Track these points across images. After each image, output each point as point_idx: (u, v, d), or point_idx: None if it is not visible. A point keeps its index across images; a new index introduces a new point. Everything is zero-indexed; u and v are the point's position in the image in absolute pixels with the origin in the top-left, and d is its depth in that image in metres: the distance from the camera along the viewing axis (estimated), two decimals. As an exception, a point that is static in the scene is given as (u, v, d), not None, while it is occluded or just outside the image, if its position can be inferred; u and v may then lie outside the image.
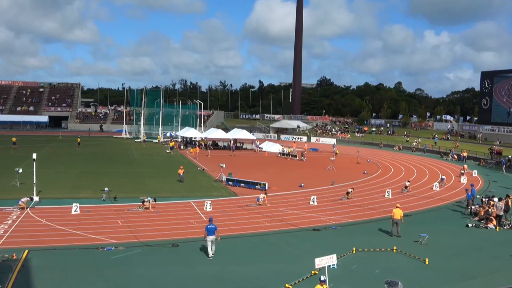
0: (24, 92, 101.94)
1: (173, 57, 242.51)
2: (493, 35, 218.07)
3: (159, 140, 67.65)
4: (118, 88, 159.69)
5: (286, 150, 55.07)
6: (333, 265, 14.96)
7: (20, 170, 28.40)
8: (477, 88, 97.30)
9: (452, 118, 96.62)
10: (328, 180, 35.67)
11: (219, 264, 16.15)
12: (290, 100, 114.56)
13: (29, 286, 13.79)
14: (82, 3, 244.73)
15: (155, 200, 24.92)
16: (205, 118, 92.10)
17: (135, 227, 20.55)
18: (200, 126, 75.85)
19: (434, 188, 33.74)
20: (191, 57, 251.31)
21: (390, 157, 55.85)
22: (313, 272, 14.94)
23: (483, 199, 26.18)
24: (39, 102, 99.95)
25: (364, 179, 38.12)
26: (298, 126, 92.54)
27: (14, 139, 53.39)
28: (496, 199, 24.41)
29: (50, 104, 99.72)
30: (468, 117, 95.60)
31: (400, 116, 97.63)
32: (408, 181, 33.76)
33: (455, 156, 54.99)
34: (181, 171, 33.83)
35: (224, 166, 34.83)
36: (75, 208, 22.83)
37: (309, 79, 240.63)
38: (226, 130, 72.27)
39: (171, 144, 56.40)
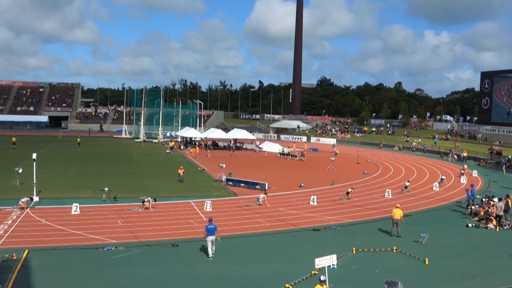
0: (24, 92, 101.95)
1: (173, 57, 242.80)
2: (493, 35, 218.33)
3: (159, 140, 67.65)
4: (118, 88, 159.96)
5: (286, 150, 55.07)
6: (333, 265, 14.96)
7: (20, 170, 28.41)
8: (477, 88, 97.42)
9: (452, 118, 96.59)
10: (328, 180, 35.67)
11: (219, 264, 16.15)
12: (290, 100, 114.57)
13: (29, 286, 13.79)
14: (82, 3, 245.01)
15: (155, 200, 24.93)
16: (205, 118, 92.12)
17: (135, 227, 20.55)
18: (200, 126, 75.84)
19: (434, 188, 33.74)
20: (191, 57, 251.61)
21: (390, 157, 55.86)
22: (313, 272, 14.95)
23: (483, 199, 26.18)
24: (39, 102, 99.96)
25: (364, 179, 38.12)
26: (298, 126, 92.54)
27: (14, 139, 53.41)
28: (496, 199, 24.40)
29: (50, 104, 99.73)
30: (468, 117, 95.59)
31: (400, 116, 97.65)
32: (408, 181, 33.76)
33: (455, 156, 54.99)
34: (181, 171, 33.83)
35: (224, 166, 34.83)
36: (75, 208, 22.83)
37: (309, 79, 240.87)
38: (226, 130, 72.28)
39: (171, 144, 56.39)
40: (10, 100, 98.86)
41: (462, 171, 40.96)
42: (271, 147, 60.54)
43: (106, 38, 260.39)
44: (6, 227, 19.97)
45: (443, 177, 38.18)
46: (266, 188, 30.30)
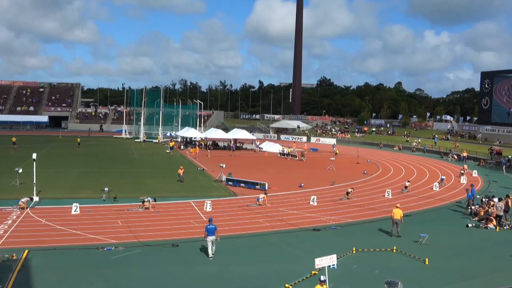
0: (24, 92, 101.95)
1: (173, 57, 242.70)
2: (493, 35, 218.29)
3: (159, 140, 67.65)
4: (118, 88, 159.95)
5: (286, 150, 55.07)
6: (333, 265, 14.96)
7: (20, 170, 28.41)
8: (477, 88, 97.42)
9: (452, 118, 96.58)
10: (328, 180, 35.67)
11: (219, 264, 16.15)
12: (290, 100, 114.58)
13: (29, 286, 13.79)
14: (82, 3, 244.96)
15: (155, 200, 24.93)
16: (205, 118, 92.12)
17: (135, 227, 20.55)
18: (200, 126, 75.84)
19: (434, 188, 33.74)
20: (191, 57, 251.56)
21: (390, 157, 55.86)
22: (313, 272, 14.95)
23: (483, 199, 26.18)
24: (39, 102, 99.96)
25: (364, 179, 38.13)
26: (298, 126, 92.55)
27: (14, 139, 53.40)
28: (496, 199, 24.40)
29: (50, 104, 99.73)
30: (468, 117, 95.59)
31: (400, 116, 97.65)
32: (408, 181, 33.76)
33: (455, 156, 54.99)
34: (181, 171, 33.84)
35: (224, 166, 34.83)
36: (75, 208, 22.83)
37: (309, 79, 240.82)
38: (226, 130, 72.28)
39: (171, 144, 56.40)
40: (10, 100, 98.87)
41: (462, 171, 40.96)
42: (271, 147, 60.55)
43: (106, 38, 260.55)
44: (6, 227, 19.97)
45: (443, 177, 38.18)
46: (266, 188, 30.30)
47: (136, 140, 71.03)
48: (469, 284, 14.94)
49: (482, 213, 23.89)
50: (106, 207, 24.65)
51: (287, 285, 14.09)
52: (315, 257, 13.19)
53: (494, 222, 22.66)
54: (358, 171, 42.47)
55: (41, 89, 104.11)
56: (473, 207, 25.34)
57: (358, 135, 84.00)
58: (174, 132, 71.94)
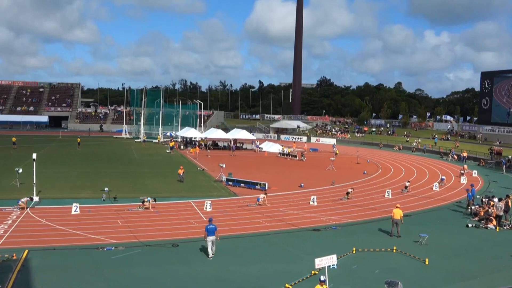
0: (24, 92, 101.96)
1: (173, 57, 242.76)
2: (493, 35, 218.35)
3: (159, 140, 67.66)
4: (118, 88, 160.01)
5: (286, 150, 55.07)
6: (333, 265, 14.95)
7: (20, 170, 28.41)
8: (477, 88, 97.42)
9: (452, 118, 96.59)
10: (328, 180, 35.67)
11: (219, 264, 16.15)
12: (290, 100, 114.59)
13: (29, 286, 13.79)
14: (82, 3, 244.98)
15: (155, 200, 24.93)
16: (205, 118, 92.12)
17: (135, 227, 20.55)
18: (200, 126, 75.86)
19: (434, 188, 33.74)
20: (191, 57, 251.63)
21: (390, 157, 55.86)
22: (313, 272, 14.95)
23: (483, 200, 26.18)
24: (39, 102, 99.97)
25: (364, 179, 38.13)
26: (298, 126, 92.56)
27: (14, 139, 53.40)
28: (496, 200, 24.40)
29: (50, 104, 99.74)
30: (468, 117, 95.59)
31: (400, 116, 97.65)
32: (408, 181, 33.76)
33: (455, 156, 54.99)
34: (181, 171, 33.83)
35: (224, 166, 34.83)
36: (75, 208, 22.83)
37: (309, 79, 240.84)
38: (226, 130, 72.29)
39: (171, 144, 56.40)
40: (10, 100, 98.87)
41: (462, 171, 40.96)
42: (271, 147, 60.54)
43: (106, 38, 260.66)
44: (6, 227, 19.97)
45: (443, 177, 38.19)
46: (266, 188, 30.29)
47: (136, 140, 71.03)
48: (469, 284, 14.94)
49: (482, 213, 23.89)
50: (106, 207, 24.65)
51: (287, 285, 14.09)
52: (315, 257, 13.19)
53: (494, 222, 22.66)
54: (358, 171, 42.48)
55: (41, 89, 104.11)
56: (473, 207, 25.34)
57: (358, 135, 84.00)
58: (174, 132, 71.95)
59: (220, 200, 27.45)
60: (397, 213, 20.26)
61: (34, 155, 26.34)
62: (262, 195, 26.57)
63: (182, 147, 60.88)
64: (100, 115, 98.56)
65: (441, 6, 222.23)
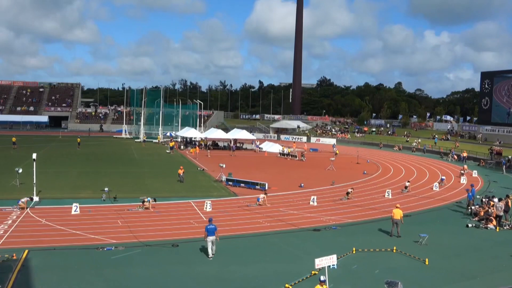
0: (24, 92, 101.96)
1: (173, 57, 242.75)
2: (493, 35, 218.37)
3: (159, 140, 67.67)
4: (118, 88, 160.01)
5: (286, 150, 55.07)
6: (333, 265, 14.95)
7: (20, 170, 28.41)
8: (477, 89, 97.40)
9: (452, 119, 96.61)
10: (328, 180, 35.67)
11: (219, 264, 16.15)
12: (290, 100, 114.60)
13: (29, 286, 13.79)
14: (82, 3, 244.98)
15: (155, 200, 24.92)
16: (205, 118, 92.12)
17: (135, 227, 20.55)
18: (200, 126, 75.86)
19: (434, 189, 33.74)
20: (191, 57, 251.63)
21: (390, 157, 55.86)
22: (313, 272, 14.95)
23: (483, 200, 26.18)
24: (39, 102, 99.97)
25: (364, 179, 38.13)
26: (298, 126, 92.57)
27: (14, 139, 53.40)
28: (496, 200, 24.40)
29: (50, 104, 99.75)
30: (468, 118, 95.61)
31: (400, 116, 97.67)
32: (408, 181, 33.76)
33: (455, 157, 54.99)
34: (181, 171, 33.83)
35: (224, 166, 34.83)
36: (75, 208, 22.83)
37: (309, 79, 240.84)
38: (226, 130, 72.29)
39: (171, 144, 56.40)
40: (10, 100, 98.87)
41: (462, 171, 40.96)
42: (271, 147, 60.55)
43: (106, 38, 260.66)
44: (6, 227, 19.97)
45: (443, 177, 38.19)
46: (266, 188, 30.29)
47: (136, 140, 71.04)
48: (469, 284, 14.94)
49: (482, 213, 23.89)
50: (106, 207, 24.65)
51: (287, 285, 14.09)
52: (315, 257, 13.19)
53: (494, 222, 22.66)
54: (358, 171, 42.48)
55: (41, 89, 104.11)
56: (473, 207, 25.34)
57: (358, 135, 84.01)
58: (174, 132, 71.95)
59: (220, 200, 27.45)
60: (397, 213, 20.26)
61: (34, 155, 26.34)
62: (262, 195, 26.57)
63: (182, 147, 60.88)
64: (100, 115, 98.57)
65: (441, 6, 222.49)
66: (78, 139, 57.57)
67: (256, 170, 40.91)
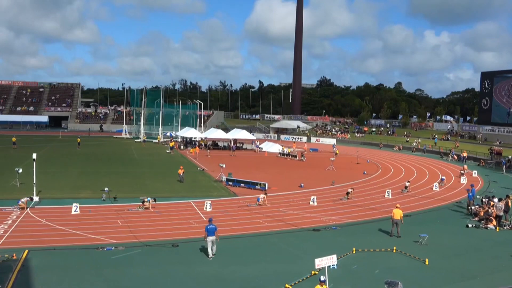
0: (24, 92, 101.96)
1: (173, 57, 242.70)
2: (493, 35, 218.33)
3: (159, 140, 67.67)
4: (118, 88, 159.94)
5: (286, 150, 55.07)
6: (333, 265, 14.95)
7: (20, 170, 28.40)
8: (477, 89, 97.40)
9: (452, 119, 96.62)
10: (328, 180, 35.67)
11: (219, 264, 16.15)
12: (290, 100, 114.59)
13: (29, 286, 13.79)
14: (82, 3, 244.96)
15: (155, 200, 24.92)
16: (205, 118, 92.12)
17: (135, 227, 20.55)
18: (200, 126, 75.86)
19: (434, 189, 33.74)
20: (191, 57, 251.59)
21: (390, 158, 55.86)
22: (313, 272, 14.95)
23: (483, 200, 26.18)
24: (39, 102, 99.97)
25: (364, 179, 38.13)
26: (298, 126, 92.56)
27: (14, 139, 53.40)
28: (496, 200, 24.39)
29: (50, 104, 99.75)
30: (468, 118, 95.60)
31: (400, 116, 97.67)
32: (408, 182, 33.76)
33: (455, 157, 54.99)
34: (181, 171, 33.83)
35: (224, 166, 34.83)
36: (75, 208, 22.83)
37: (309, 79, 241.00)
38: (226, 130, 72.29)
39: (171, 144, 56.40)
40: (10, 100, 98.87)
41: (462, 171, 40.96)
42: (271, 147, 60.55)
43: (106, 38, 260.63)
44: (6, 227, 19.97)
45: (443, 177, 38.19)
46: (266, 188, 30.30)
47: (136, 140, 71.04)
48: (469, 284, 14.94)
49: (482, 213, 23.90)
50: (106, 207, 24.65)
51: (287, 285, 14.09)
52: (315, 257, 13.19)
53: (494, 222, 22.66)
54: (358, 171, 42.48)
55: (41, 89, 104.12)
56: (473, 207, 25.34)
57: (358, 135, 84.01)
58: (174, 132, 71.96)
59: (220, 200, 27.45)
60: (397, 213, 20.26)
61: (34, 155, 26.34)
62: (262, 195, 26.57)
63: (182, 147, 60.88)
64: (100, 115, 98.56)
65: (441, 6, 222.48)
66: (78, 139, 57.56)
67: (256, 170, 40.91)
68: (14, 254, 16.10)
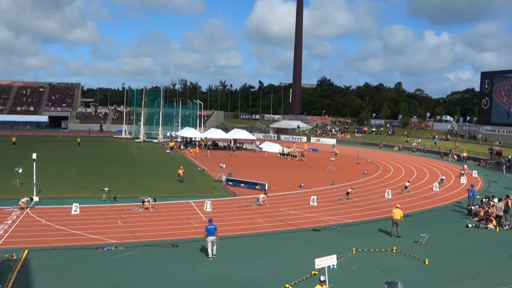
0: (24, 92, 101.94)
1: (173, 57, 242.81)
2: (493, 36, 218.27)
3: (159, 140, 67.67)
4: (118, 88, 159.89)
5: (286, 150, 55.07)
6: (333, 265, 14.96)
7: (20, 170, 28.39)
8: (477, 89, 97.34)
9: (452, 119, 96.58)
10: (328, 181, 35.67)
11: (219, 264, 16.15)
12: (290, 100, 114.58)
13: (29, 286, 13.79)
14: (82, 3, 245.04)
15: (155, 200, 24.92)
16: (205, 118, 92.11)
17: (135, 227, 20.55)
18: (200, 126, 75.86)
19: (434, 189, 33.75)
20: (191, 57, 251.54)
21: (390, 158, 55.86)
22: (313, 272, 14.95)
23: (483, 200, 26.18)
24: (39, 102, 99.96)
25: (364, 179, 38.13)
26: (298, 126, 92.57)
27: (14, 139, 53.39)
28: (496, 200, 24.39)
29: (50, 104, 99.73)
30: (468, 118, 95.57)
31: (400, 116, 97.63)
32: (408, 182, 33.77)
33: (455, 157, 54.99)
34: (181, 171, 33.83)
35: (224, 166, 34.83)
36: (75, 208, 22.84)
37: (309, 79, 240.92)
38: (226, 130, 72.29)
39: (171, 144, 56.40)
40: (10, 100, 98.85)
41: (462, 172, 40.97)
42: (271, 147, 60.54)
43: (106, 38, 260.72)
44: (6, 227, 19.97)
45: (443, 177, 38.19)
46: (266, 188, 30.30)
47: (136, 140, 71.04)
48: (469, 284, 14.94)
49: (482, 213, 23.90)
50: (106, 207, 24.65)
51: (287, 285, 14.10)
52: (315, 257, 13.19)
53: (494, 222, 22.67)
54: (358, 171, 42.48)
55: (41, 89, 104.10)
56: (473, 207, 25.34)
57: (358, 135, 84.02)
58: (174, 132, 71.96)
59: (220, 200, 27.45)
60: (397, 213, 20.27)
61: (34, 155, 26.33)
62: (262, 195, 26.57)
63: (182, 147, 60.87)
64: (100, 115, 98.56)
65: (441, 6, 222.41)
66: (78, 139, 57.56)
67: (256, 170, 40.91)
68: (14, 254, 16.10)
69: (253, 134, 70.21)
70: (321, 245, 18.81)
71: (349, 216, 24.36)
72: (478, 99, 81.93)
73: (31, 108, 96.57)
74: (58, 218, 21.67)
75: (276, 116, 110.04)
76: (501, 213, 22.93)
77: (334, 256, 13.84)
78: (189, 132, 64.06)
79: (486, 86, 70.51)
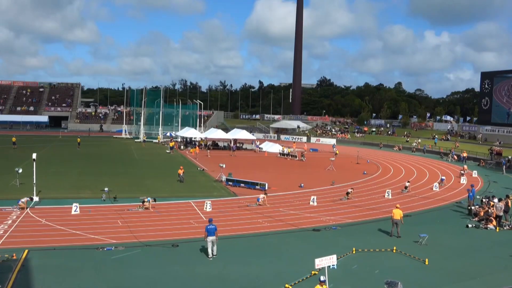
0: (24, 92, 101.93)
1: (173, 57, 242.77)
2: (493, 36, 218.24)
3: (159, 140, 67.67)
4: (118, 88, 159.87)
5: (286, 150, 55.07)
6: (333, 265, 14.96)
7: (20, 170, 28.40)
8: (477, 89, 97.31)
9: (452, 119, 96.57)
10: (328, 181, 35.67)
11: (219, 264, 16.15)
12: (290, 100, 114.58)
13: (29, 286, 13.79)
14: (82, 3, 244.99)
15: (155, 200, 24.92)
16: (205, 118, 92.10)
17: (135, 227, 20.55)
18: (200, 126, 75.86)
19: (434, 189, 33.75)
20: (191, 57, 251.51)
21: (390, 158, 55.86)
22: (313, 272, 14.95)
23: (483, 200, 26.18)
24: (39, 102, 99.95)
25: (364, 179, 38.13)
26: (298, 127, 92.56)
27: (14, 139, 53.39)
28: (496, 200, 24.39)
29: (50, 104, 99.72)
30: (468, 118, 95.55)
31: (400, 116, 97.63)
32: (408, 182, 33.77)
33: (455, 157, 54.98)
34: (181, 171, 33.83)
35: (224, 166, 34.83)
36: (75, 208, 22.84)
37: (309, 79, 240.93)
38: (226, 130, 72.29)
39: (171, 144, 56.41)
40: (10, 100, 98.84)
41: (462, 172, 40.97)
42: (271, 147, 60.54)
43: (106, 38, 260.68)
44: (6, 227, 19.97)
45: (443, 177, 38.19)
46: (266, 188, 30.30)
47: (136, 140, 71.04)
48: (469, 284, 14.95)
49: (482, 214, 23.90)
50: (106, 207, 24.65)
51: (287, 285, 14.10)
52: (315, 257, 13.20)
53: (494, 222, 22.67)
54: (358, 171, 42.48)
55: (41, 89, 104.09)
56: (473, 208, 25.34)
57: (358, 135, 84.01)
58: (174, 132, 71.96)
59: (220, 200, 27.45)
60: (397, 213, 20.27)
61: (34, 155, 26.33)
62: (262, 195, 26.57)
63: (182, 147, 60.87)
64: (100, 115, 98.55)
65: (441, 6, 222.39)
66: (78, 139, 57.56)
67: (256, 170, 40.91)
68: (14, 254, 16.11)
69: (253, 134, 70.22)
70: (321, 245, 18.82)
71: (349, 216, 24.37)
72: (478, 99, 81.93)
73: (31, 108, 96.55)
74: (58, 218, 21.67)
75: (276, 116, 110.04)
76: (501, 213, 22.93)
77: (334, 256, 13.85)
78: (189, 132, 64.06)
79: (486, 86, 70.50)
